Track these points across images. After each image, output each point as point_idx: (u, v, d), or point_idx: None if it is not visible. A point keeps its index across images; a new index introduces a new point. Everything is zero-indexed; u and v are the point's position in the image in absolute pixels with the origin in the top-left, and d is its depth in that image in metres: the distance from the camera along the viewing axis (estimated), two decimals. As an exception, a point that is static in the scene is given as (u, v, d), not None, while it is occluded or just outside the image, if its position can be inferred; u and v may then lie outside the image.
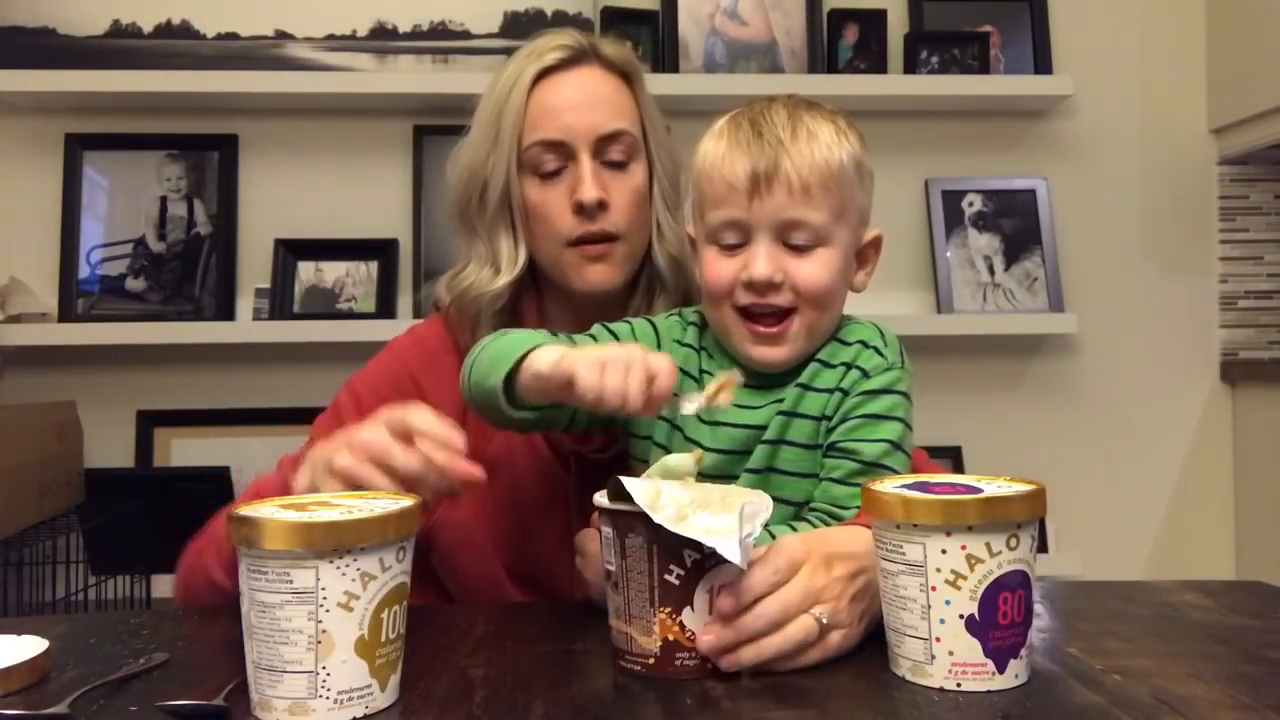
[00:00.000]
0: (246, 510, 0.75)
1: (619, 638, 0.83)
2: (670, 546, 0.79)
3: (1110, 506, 2.46)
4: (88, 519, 2.09)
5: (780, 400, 1.02)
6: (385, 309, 2.30)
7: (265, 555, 0.71)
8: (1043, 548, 2.32)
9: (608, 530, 0.83)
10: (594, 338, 1.08)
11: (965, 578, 0.76)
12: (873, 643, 0.85)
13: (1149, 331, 2.49)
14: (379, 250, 2.34)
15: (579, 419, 1.06)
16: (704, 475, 0.93)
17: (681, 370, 1.05)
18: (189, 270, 2.31)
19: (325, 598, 0.71)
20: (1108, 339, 2.47)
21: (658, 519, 0.78)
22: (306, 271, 2.33)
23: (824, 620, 0.82)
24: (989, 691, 0.76)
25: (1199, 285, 2.50)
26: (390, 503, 0.78)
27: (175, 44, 2.31)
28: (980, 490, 0.79)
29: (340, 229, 2.34)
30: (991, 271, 2.43)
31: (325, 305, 2.32)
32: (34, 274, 2.28)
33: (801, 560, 0.83)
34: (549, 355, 0.93)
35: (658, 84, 2.27)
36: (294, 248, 2.33)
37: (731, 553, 0.77)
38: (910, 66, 2.41)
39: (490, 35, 2.34)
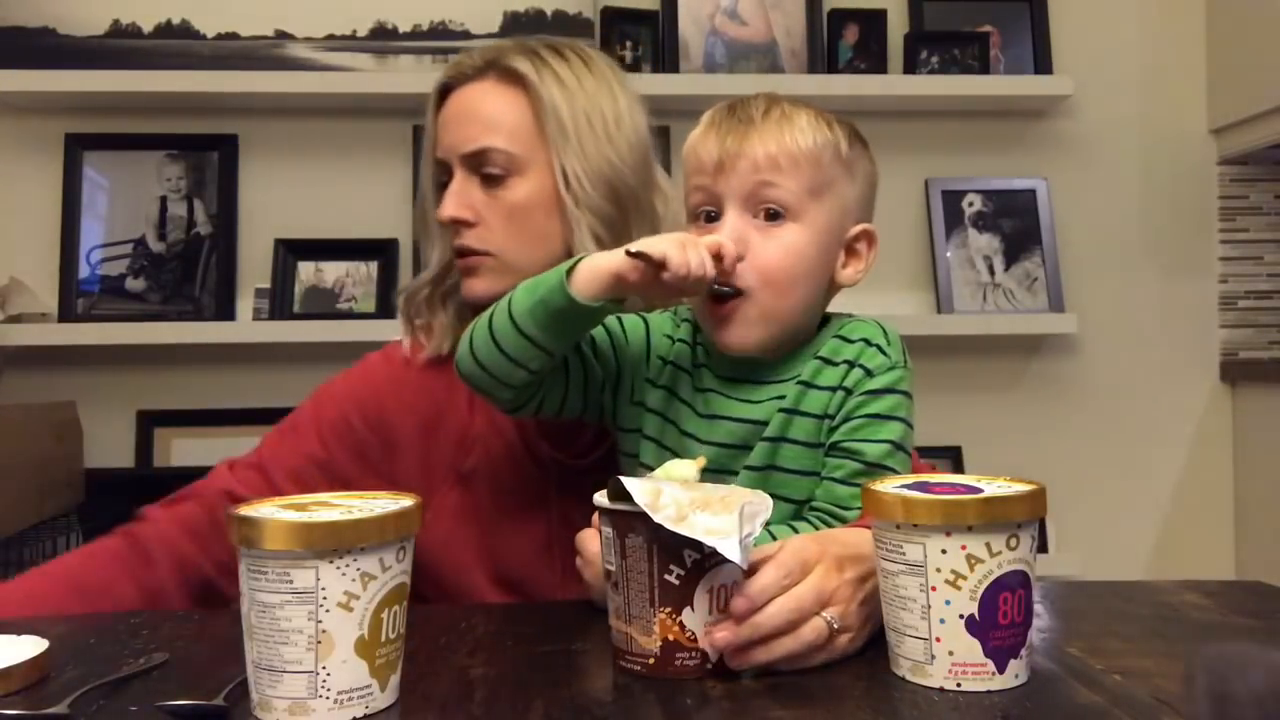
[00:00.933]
0: (246, 510, 0.75)
1: (619, 638, 0.83)
2: (670, 546, 0.79)
3: (1110, 506, 2.46)
4: (88, 519, 2.09)
5: (781, 397, 1.02)
6: (385, 309, 2.30)
7: (265, 555, 0.71)
8: (1043, 548, 2.32)
9: (608, 530, 0.83)
10: (593, 338, 1.08)
11: (965, 578, 0.76)
12: (873, 643, 0.85)
13: (1149, 331, 2.49)
14: (379, 250, 2.34)
15: (570, 402, 1.07)
16: (703, 472, 0.92)
17: (673, 364, 1.06)
18: (189, 270, 2.31)
19: (325, 598, 0.71)
20: (1108, 339, 2.47)
21: (658, 519, 0.78)
22: (306, 271, 2.33)
23: (835, 624, 0.82)
24: (989, 691, 0.76)
25: (1199, 285, 2.50)
26: (390, 503, 0.78)
27: (175, 44, 2.31)
28: (980, 490, 0.79)
29: (340, 229, 2.34)
30: (991, 271, 2.43)
31: (325, 305, 2.32)
32: (34, 274, 2.28)
33: (814, 561, 0.83)
34: (611, 255, 0.98)
35: (658, 84, 2.31)
36: (294, 248, 2.33)
37: (732, 553, 0.77)
38: (910, 66, 2.41)
39: (490, 35, 2.34)
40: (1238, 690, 0.51)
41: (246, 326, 2.29)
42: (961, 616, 0.76)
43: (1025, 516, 0.77)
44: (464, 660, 0.86)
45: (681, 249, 0.94)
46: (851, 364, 1.01)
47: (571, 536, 0.99)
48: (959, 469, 2.38)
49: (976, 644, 0.76)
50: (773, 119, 1.00)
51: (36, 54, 2.26)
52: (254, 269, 2.33)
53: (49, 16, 2.29)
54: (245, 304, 2.32)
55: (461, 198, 1.16)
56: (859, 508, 0.97)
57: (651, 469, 0.94)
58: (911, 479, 0.85)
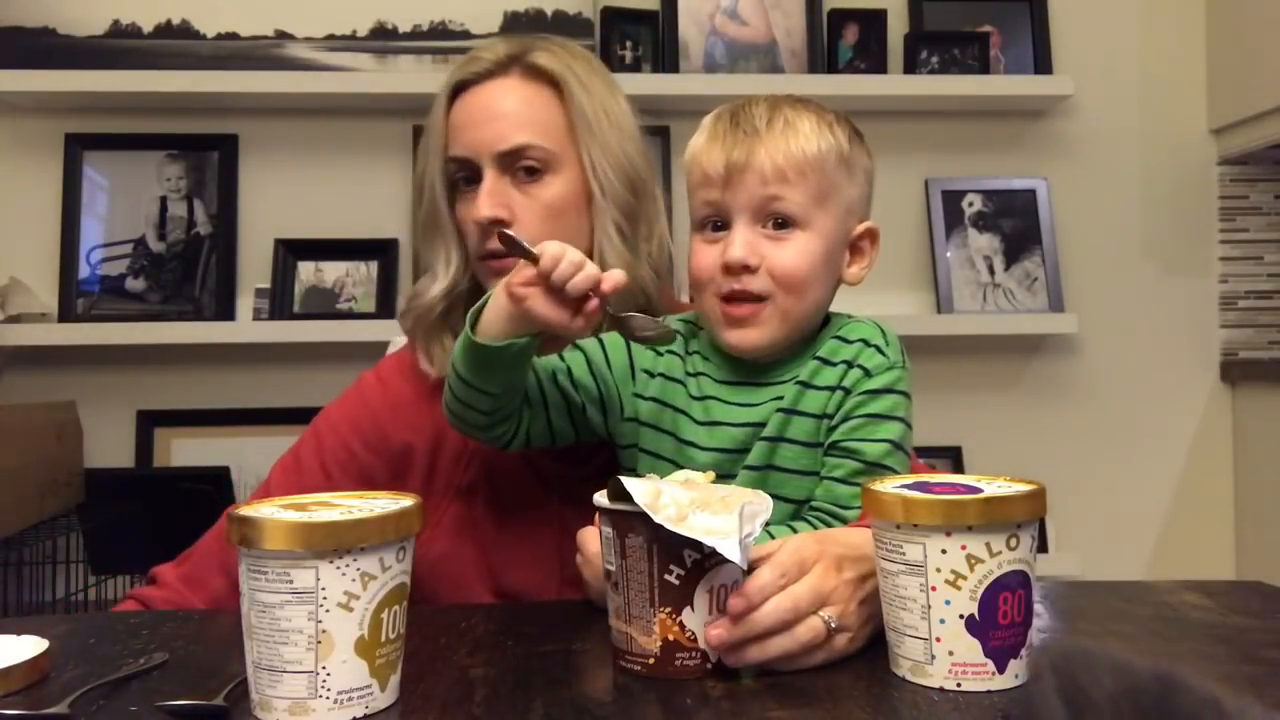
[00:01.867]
0: (246, 510, 0.75)
1: (619, 638, 0.83)
2: (670, 546, 0.79)
3: (1110, 506, 2.46)
4: (88, 519, 2.09)
5: (780, 398, 1.02)
6: (385, 309, 2.30)
7: (265, 555, 0.71)
8: (1043, 548, 2.33)
9: (608, 530, 0.83)
10: (569, 366, 1.09)
11: (965, 578, 0.76)
12: (873, 643, 0.85)
13: (1149, 331, 2.49)
14: (379, 250, 2.34)
15: (559, 429, 1.08)
16: None
17: (662, 376, 1.06)
18: (189, 270, 2.31)
19: (325, 598, 0.71)
20: (1108, 339, 2.47)
21: (658, 519, 0.78)
22: (306, 271, 2.33)
23: (832, 624, 0.82)
24: (989, 691, 0.76)
25: (1199, 285, 2.50)
26: (390, 502, 0.78)
27: (175, 44, 2.31)
28: (980, 490, 0.79)
29: (340, 229, 2.34)
30: (991, 271, 2.43)
31: (325, 305, 2.32)
32: (34, 274, 2.28)
33: (812, 561, 0.83)
34: (499, 284, 1.00)
35: (658, 84, 2.31)
36: (294, 248, 2.33)
37: (732, 553, 0.77)
38: (910, 66, 2.41)
39: (490, 35, 2.34)
40: (1092, 691, 0.50)
41: (246, 326, 2.29)
42: (961, 616, 0.76)
43: (1025, 516, 0.77)
44: (464, 660, 0.86)
45: (558, 248, 0.96)
46: (850, 364, 1.01)
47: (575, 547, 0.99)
48: (959, 469, 2.38)
49: (976, 644, 0.76)
50: (777, 128, 1.00)
51: (36, 54, 2.26)
52: (254, 269, 2.33)
53: (49, 16, 2.29)
54: (245, 304, 2.33)
55: (497, 196, 1.14)
56: (858, 507, 0.97)
57: None
58: (911, 479, 0.85)
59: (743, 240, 0.99)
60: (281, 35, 2.34)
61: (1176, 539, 2.48)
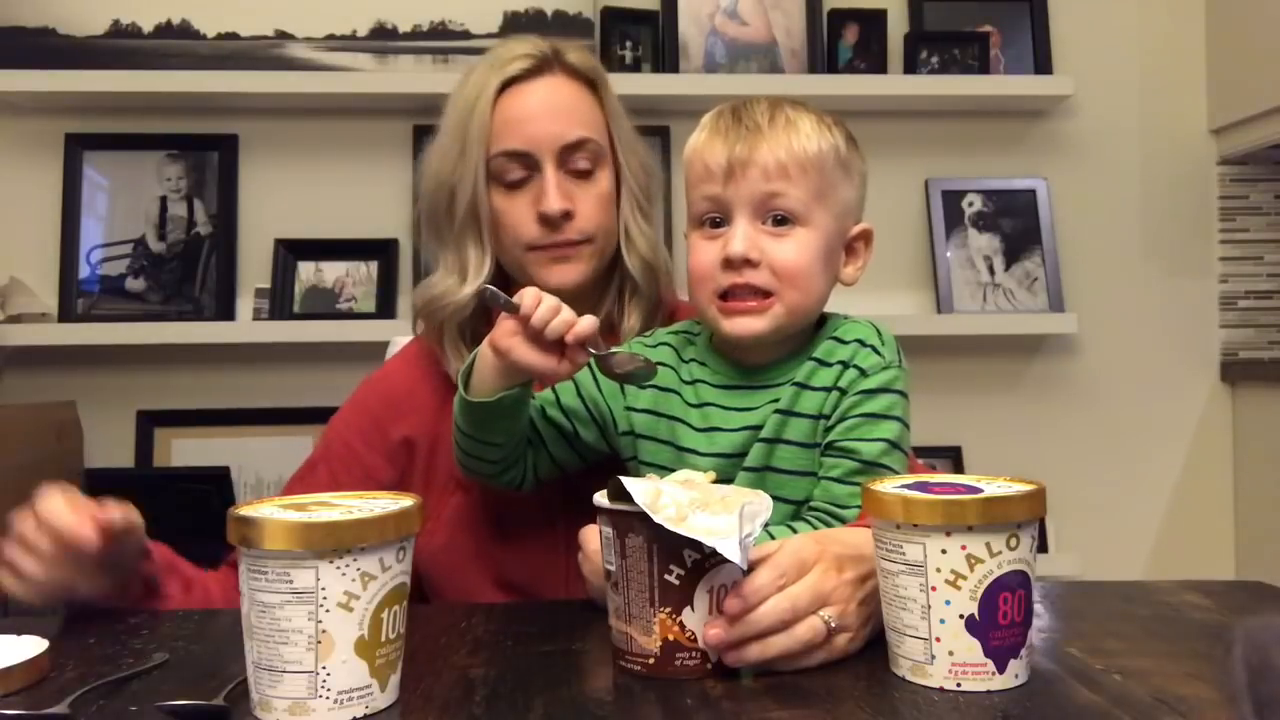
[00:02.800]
0: (246, 510, 0.75)
1: (619, 638, 0.83)
2: (670, 546, 0.79)
3: (1110, 506, 2.46)
4: (88, 519, 2.09)
5: (776, 400, 1.02)
6: (385, 309, 2.30)
7: (265, 555, 0.71)
8: (1043, 548, 2.33)
9: (608, 530, 0.83)
10: (558, 396, 1.11)
11: (965, 578, 0.76)
12: (873, 643, 0.85)
13: (1149, 331, 2.49)
14: (379, 250, 2.34)
15: (563, 460, 1.10)
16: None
17: (653, 386, 1.07)
18: (189, 270, 2.31)
19: (325, 598, 0.71)
20: (1108, 339, 2.47)
21: (658, 519, 0.78)
22: (306, 271, 2.33)
23: (832, 623, 0.82)
24: (989, 691, 0.76)
25: (1199, 285, 2.50)
26: (390, 502, 0.78)
27: (175, 44, 2.31)
28: (980, 490, 0.79)
29: (340, 229, 2.34)
30: (991, 271, 2.43)
31: (325, 305, 2.32)
32: (34, 274, 2.28)
33: (812, 561, 0.83)
34: (485, 342, 1.03)
35: (658, 84, 2.31)
36: (294, 248, 2.33)
37: (731, 553, 0.77)
38: (910, 66, 2.41)
39: (490, 35, 2.34)
40: (1276, 661, 0.51)
41: (246, 326, 2.29)
42: (961, 616, 0.76)
43: (1025, 516, 0.77)
44: (464, 660, 0.86)
45: (534, 295, 0.98)
46: (846, 364, 1.01)
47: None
48: (959, 469, 2.38)
49: (976, 644, 0.76)
50: (779, 125, 1.01)
51: (36, 54, 2.26)
52: (254, 269, 2.33)
53: (49, 16, 2.29)
54: (245, 304, 2.33)
55: (563, 189, 1.17)
56: (857, 506, 0.97)
57: None
58: (911, 479, 0.85)
59: (744, 234, 1.00)
60: (281, 35, 2.34)
61: (1176, 539, 2.48)
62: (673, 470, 1.02)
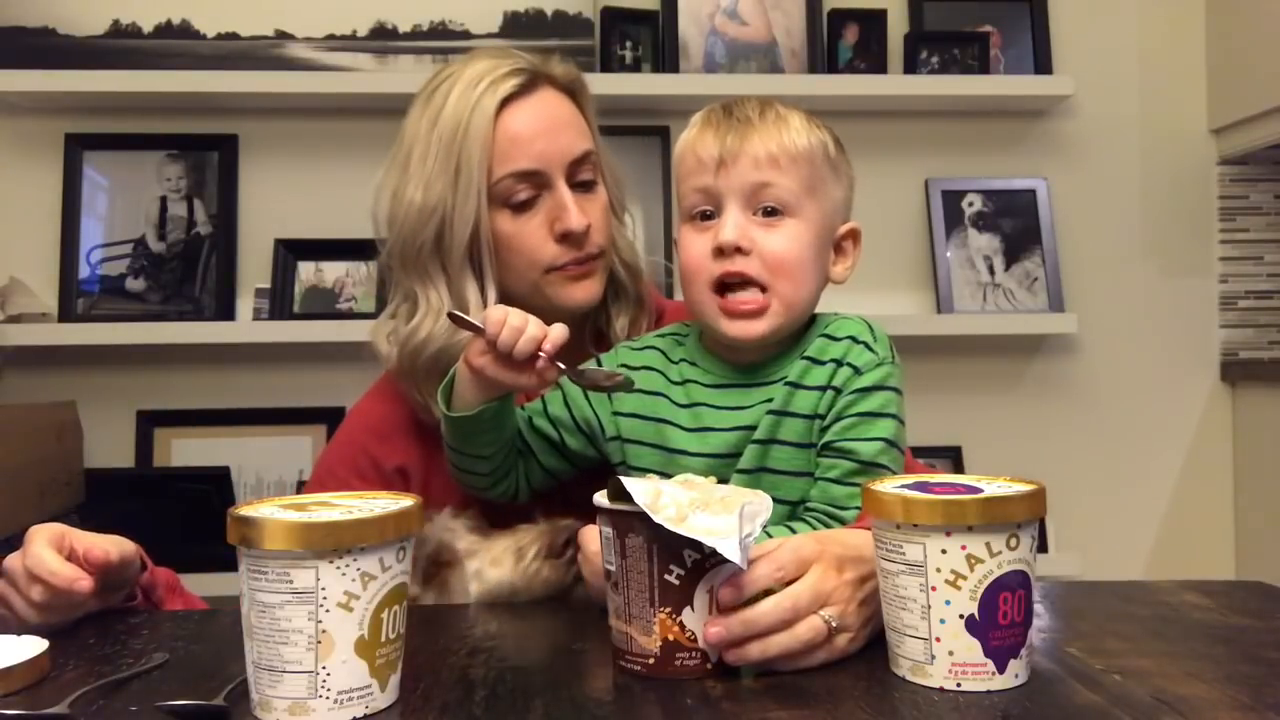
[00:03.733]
0: (246, 510, 0.75)
1: (619, 638, 0.83)
2: (670, 546, 0.79)
3: (1110, 506, 2.46)
4: (88, 519, 2.08)
5: (769, 400, 1.02)
6: (385, 309, 2.30)
7: (265, 555, 0.71)
8: (1043, 548, 2.32)
9: (608, 530, 0.83)
10: (545, 405, 1.12)
11: (965, 578, 0.76)
12: (873, 643, 0.85)
13: (1149, 331, 2.49)
14: (379, 250, 2.33)
15: (555, 469, 1.10)
16: None
17: (640, 391, 1.07)
18: (189, 270, 2.31)
19: (325, 598, 0.71)
20: (1108, 339, 2.47)
21: (658, 519, 0.78)
22: (306, 271, 2.33)
23: (833, 623, 0.82)
24: (989, 691, 0.76)
25: (1199, 285, 2.50)
26: (390, 502, 0.78)
27: (175, 44, 2.31)
28: (980, 490, 0.79)
29: (340, 229, 2.34)
30: (991, 271, 2.43)
31: (325, 305, 2.32)
32: (34, 274, 2.28)
33: (812, 560, 0.83)
34: (460, 360, 1.04)
35: (658, 84, 2.31)
36: (294, 248, 2.33)
37: (731, 553, 0.77)
38: (910, 66, 2.41)
39: (490, 35, 2.34)
40: None
41: (246, 326, 2.29)
42: (961, 616, 0.76)
43: (1025, 516, 0.77)
44: (464, 660, 0.86)
45: (498, 317, 0.98)
46: (839, 362, 1.01)
47: None
48: (959, 469, 2.38)
49: (976, 644, 0.76)
50: (769, 119, 1.02)
51: (36, 54, 2.26)
52: (254, 269, 2.33)
53: (49, 16, 2.29)
54: (245, 304, 2.32)
55: (580, 205, 1.16)
56: (856, 506, 0.97)
57: None
58: (911, 479, 0.85)
59: (734, 223, 1.00)
60: (281, 35, 2.34)
61: (1176, 539, 2.48)
62: (662, 474, 1.02)
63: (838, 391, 1.00)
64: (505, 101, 1.14)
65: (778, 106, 1.04)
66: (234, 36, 2.33)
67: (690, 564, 0.79)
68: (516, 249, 1.15)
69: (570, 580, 1.02)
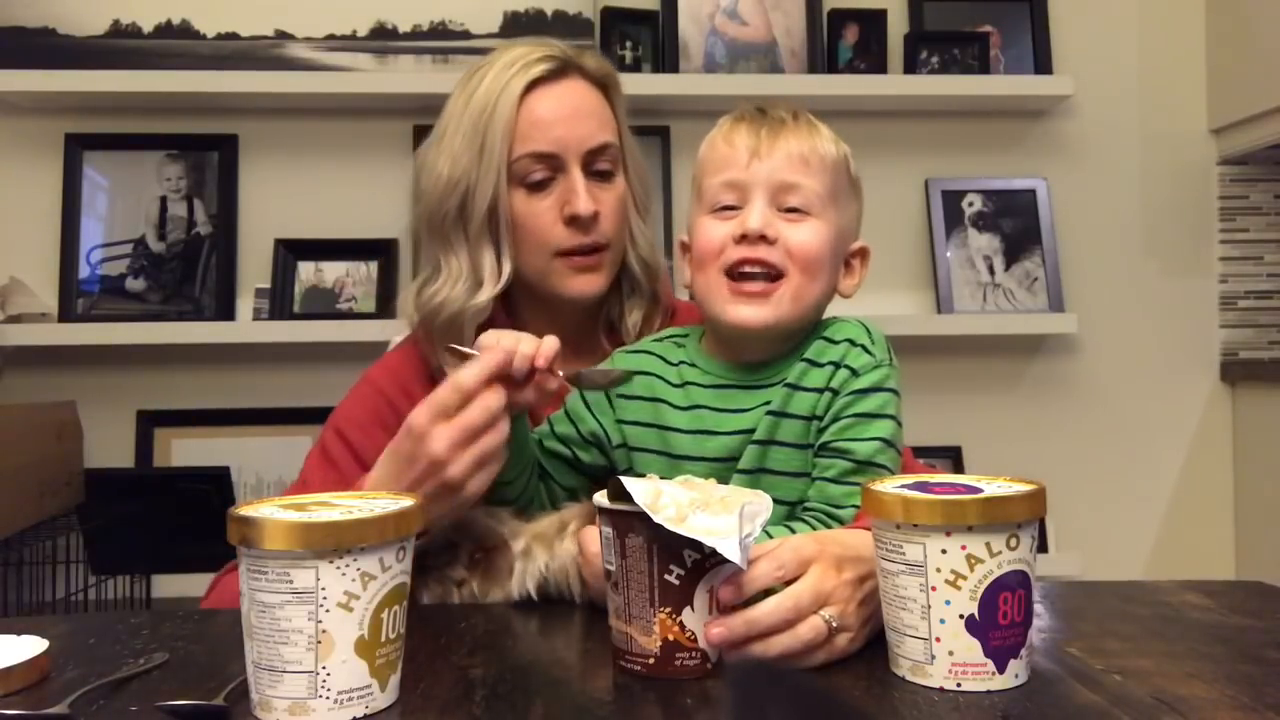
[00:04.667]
0: (246, 510, 0.75)
1: (619, 638, 0.83)
2: (670, 546, 0.79)
3: (1110, 506, 2.46)
4: (88, 519, 2.09)
5: (768, 401, 1.02)
6: (385, 309, 2.30)
7: (265, 555, 0.71)
8: (1043, 548, 2.33)
9: (608, 530, 0.83)
10: (550, 424, 1.12)
11: (965, 578, 0.76)
12: (873, 643, 0.85)
13: (1149, 331, 2.49)
14: (379, 250, 2.34)
15: (569, 483, 1.10)
16: None
17: (638, 398, 1.07)
18: (189, 270, 2.31)
19: (325, 598, 0.71)
20: (1108, 339, 2.47)
21: (658, 519, 0.78)
22: (306, 271, 2.33)
23: (833, 623, 0.82)
24: (989, 691, 0.76)
25: (1199, 285, 2.50)
26: (390, 503, 0.78)
27: (175, 44, 2.31)
28: (980, 490, 0.79)
29: (340, 229, 2.34)
30: (991, 271, 2.43)
31: (325, 305, 2.32)
32: (34, 274, 2.28)
33: (812, 559, 0.84)
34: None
35: (658, 84, 2.31)
36: (294, 248, 2.33)
37: (731, 553, 0.77)
38: (910, 66, 2.41)
39: (490, 35, 2.34)
40: None
41: (246, 326, 2.29)
42: (961, 616, 0.76)
43: (1025, 516, 0.77)
44: (464, 660, 0.86)
45: (494, 338, 0.99)
46: (837, 365, 1.02)
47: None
48: (959, 469, 2.38)
49: (976, 644, 0.76)
50: (803, 123, 1.05)
51: (36, 54, 2.26)
52: (254, 269, 2.33)
53: (49, 16, 2.29)
54: (245, 304, 2.32)
55: (590, 192, 1.18)
56: (853, 506, 0.98)
57: None
58: (911, 479, 0.85)
59: (761, 212, 1.01)
60: (281, 35, 2.34)
61: (1176, 539, 2.48)
62: (665, 479, 1.03)
63: (835, 393, 1.01)
64: (532, 85, 1.17)
65: (809, 115, 1.06)
66: (234, 36, 2.33)
67: (690, 564, 0.79)
68: (530, 228, 1.18)
69: None
